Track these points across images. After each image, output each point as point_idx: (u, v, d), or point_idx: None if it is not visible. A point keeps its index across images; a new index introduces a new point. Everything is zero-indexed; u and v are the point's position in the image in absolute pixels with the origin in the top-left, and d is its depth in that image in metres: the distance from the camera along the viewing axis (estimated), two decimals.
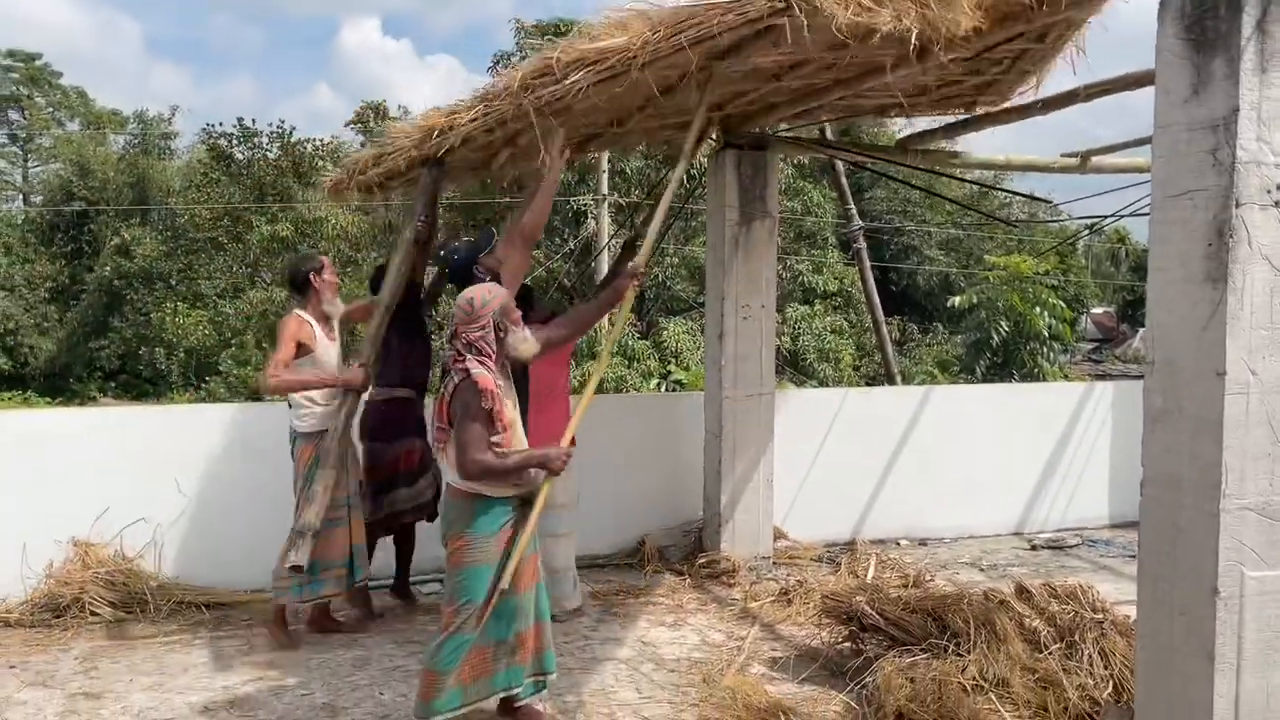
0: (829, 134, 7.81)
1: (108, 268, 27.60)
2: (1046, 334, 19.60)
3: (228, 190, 23.21)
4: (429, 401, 5.04)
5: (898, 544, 7.14)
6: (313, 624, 5.18)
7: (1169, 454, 3.06)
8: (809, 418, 7.03)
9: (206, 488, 5.80)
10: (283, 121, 37.68)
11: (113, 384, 27.93)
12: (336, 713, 4.23)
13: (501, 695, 3.91)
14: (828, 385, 19.58)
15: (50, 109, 39.13)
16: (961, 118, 5.91)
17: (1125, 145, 6.54)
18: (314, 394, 5.00)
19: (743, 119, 6.04)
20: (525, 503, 3.79)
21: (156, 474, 5.70)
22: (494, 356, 3.73)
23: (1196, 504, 2.97)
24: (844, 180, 13.03)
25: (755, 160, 6.26)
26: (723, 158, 6.26)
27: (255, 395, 19.01)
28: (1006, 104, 5.59)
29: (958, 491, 7.33)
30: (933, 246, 30.26)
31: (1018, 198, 20.66)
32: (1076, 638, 4.28)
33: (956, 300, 20.83)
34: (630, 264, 4.54)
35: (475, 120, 4.66)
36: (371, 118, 22.60)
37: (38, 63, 38.60)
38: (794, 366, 20.86)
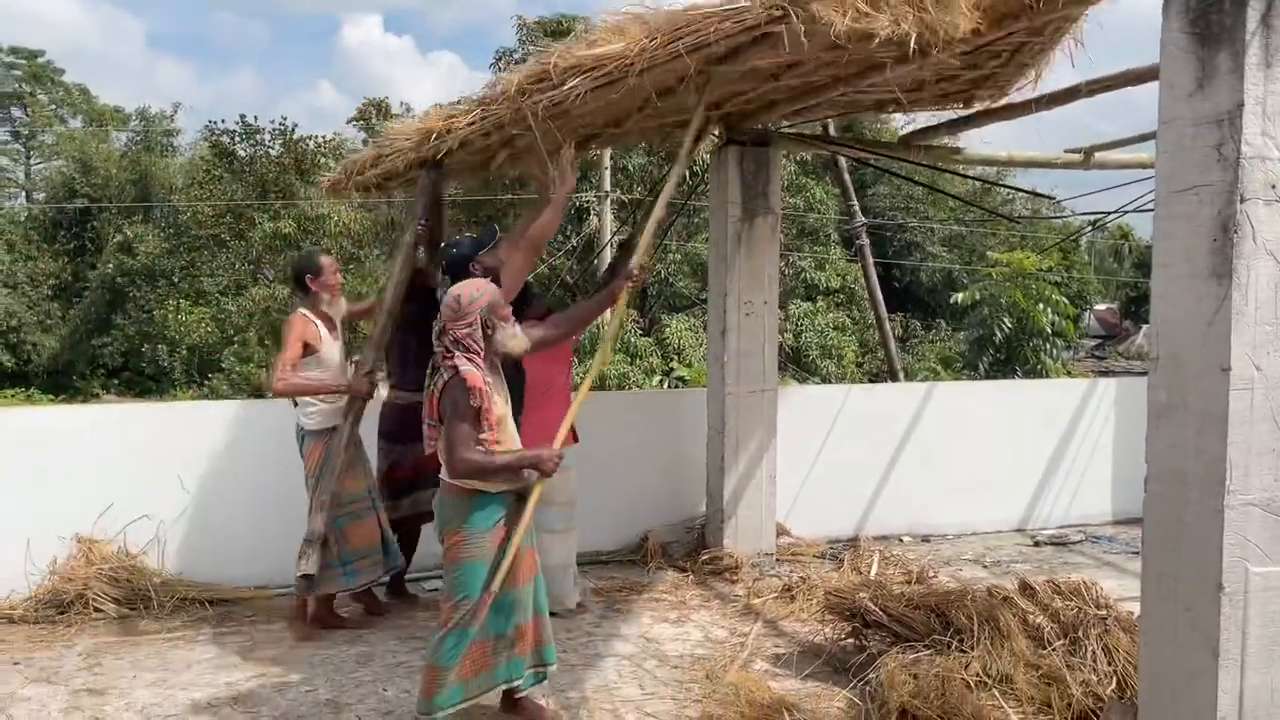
0: (832, 130, 7.80)
1: (110, 265, 27.66)
2: (1049, 330, 19.62)
3: (230, 187, 23.26)
4: None
5: (901, 540, 7.14)
6: (316, 620, 5.18)
7: (1173, 450, 3.06)
8: (812, 414, 7.02)
9: (209, 484, 5.80)
10: (285, 118, 37.89)
11: (115, 381, 28.01)
12: (340, 709, 4.23)
13: (503, 688, 3.92)
14: (830, 382, 19.59)
15: (53, 106, 39.21)
16: (964, 113, 5.88)
17: (1129, 141, 6.52)
18: None
19: (742, 117, 6.02)
20: (520, 498, 3.80)
21: (159, 471, 5.71)
22: (482, 354, 3.71)
23: (1201, 500, 2.96)
24: (847, 176, 12.99)
25: (758, 156, 6.25)
26: (725, 154, 6.25)
27: (258, 392, 19.05)
28: (1008, 99, 5.57)
29: (961, 488, 7.32)
30: (936, 243, 30.26)
31: (1021, 194, 20.63)
32: (1080, 634, 4.27)
33: (959, 297, 20.84)
34: (626, 264, 4.54)
35: (473, 125, 4.66)
36: (373, 115, 22.64)
37: (40, 60, 38.69)
38: (797, 363, 20.87)
